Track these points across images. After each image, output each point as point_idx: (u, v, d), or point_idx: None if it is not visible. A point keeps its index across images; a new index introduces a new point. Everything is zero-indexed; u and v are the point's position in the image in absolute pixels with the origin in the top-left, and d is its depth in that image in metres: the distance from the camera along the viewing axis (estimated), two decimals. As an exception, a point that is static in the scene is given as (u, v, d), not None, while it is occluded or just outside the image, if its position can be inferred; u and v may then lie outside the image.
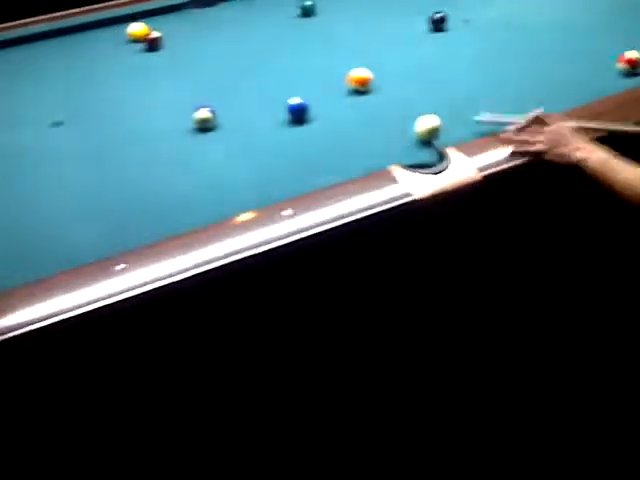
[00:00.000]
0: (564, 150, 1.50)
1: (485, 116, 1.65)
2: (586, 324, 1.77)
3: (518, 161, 1.52)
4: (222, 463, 1.52)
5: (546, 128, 1.55)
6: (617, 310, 1.80)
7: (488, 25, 2.24)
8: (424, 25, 2.22)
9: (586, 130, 1.55)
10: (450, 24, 2.22)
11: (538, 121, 1.58)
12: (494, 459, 1.83)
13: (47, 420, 1.28)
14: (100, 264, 1.27)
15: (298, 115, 1.75)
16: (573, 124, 1.57)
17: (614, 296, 1.78)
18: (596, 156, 1.47)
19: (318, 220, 1.34)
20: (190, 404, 1.41)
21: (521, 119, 1.60)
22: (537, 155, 1.52)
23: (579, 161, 1.48)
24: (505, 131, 1.59)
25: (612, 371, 1.85)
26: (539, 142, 1.53)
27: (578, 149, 1.49)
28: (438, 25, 2.21)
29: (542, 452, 1.85)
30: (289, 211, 1.35)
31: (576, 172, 1.47)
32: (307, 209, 1.36)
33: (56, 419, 1.29)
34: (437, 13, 2.21)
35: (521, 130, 1.58)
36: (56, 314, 1.18)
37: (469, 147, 1.55)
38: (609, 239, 1.70)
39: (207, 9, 2.49)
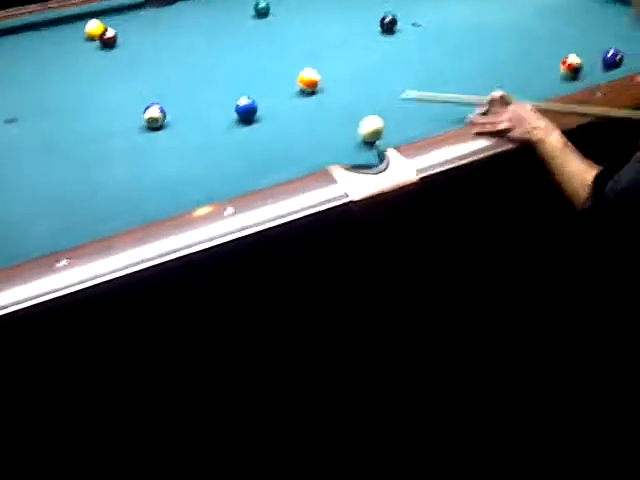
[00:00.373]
0: (526, 128, 1.56)
1: (411, 93, 1.70)
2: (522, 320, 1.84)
3: (456, 163, 1.56)
4: (212, 461, 1.57)
5: (509, 107, 1.61)
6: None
7: (438, 28, 2.30)
8: (375, 28, 2.27)
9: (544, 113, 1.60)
10: (400, 27, 2.27)
11: (500, 101, 1.64)
12: (493, 458, 1.88)
13: None
14: (43, 260, 1.31)
15: (246, 115, 1.80)
16: (536, 105, 1.63)
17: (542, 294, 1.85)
18: (554, 139, 1.53)
19: (258, 219, 1.39)
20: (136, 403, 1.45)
21: (452, 97, 1.67)
22: (501, 134, 1.58)
23: (537, 141, 1.53)
24: (469, 115, 1.65)
25: (605, 366, 1.90)
26: (502, 121, 1.58)
27: (539, 129, 1.55)
28: (388, 28, 2.26)
29: (541, 451, 1.89)
30: (230, 209, 1.39)
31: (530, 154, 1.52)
32: (248, 208, 1.41)
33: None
34: (387, 16, 2.26)
35: (486, 113, 1.64)
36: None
37: (409, 149, 1.59)
38: (546, 237, 1.77)
39: (164, 8, 2.52)
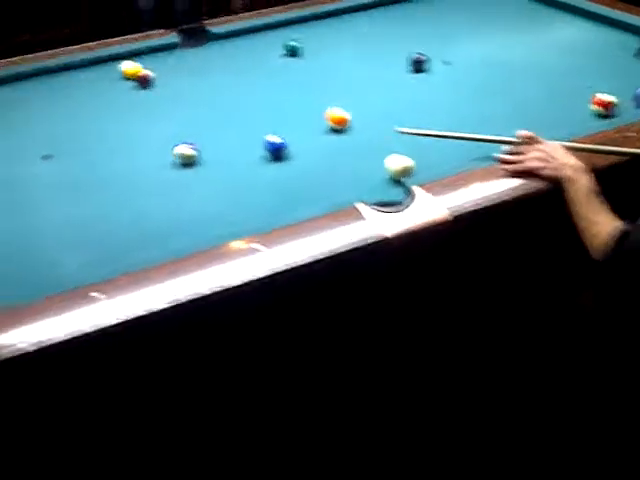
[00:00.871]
0: (556, 164, 1.54)
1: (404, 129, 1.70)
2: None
3: (484, 200, 1.57)
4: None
5: (539, 145, 1.60)
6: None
7: (466, 66, 2.31)
8: (404, 66, 2.30)
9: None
10: (430, 65, 2.30)
11: (529, 141, 1.63)
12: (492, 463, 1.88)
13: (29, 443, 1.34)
14: (77, 292, 1.34)
15: (276, 152, 1.83)
16: (565, 144, 1.62)
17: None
18: (584, 182, 1.50)
19: (285, 255, 1.41)
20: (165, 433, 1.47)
21: (442, 133, 1.68)
22: (529, 172, 1.57)
23: (566, 179, 1.51)
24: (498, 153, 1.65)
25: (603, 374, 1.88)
26: (531, 159, 1.57)
27: (568, 166, 1.53)
28: (417, 66, 2.29)
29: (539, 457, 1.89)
30: (259, 245, 1.42)
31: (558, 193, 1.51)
32: (276, 243, 1.43)
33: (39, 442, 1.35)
34: (417, 54, 2.29)
35: (513, 150, 1.63)
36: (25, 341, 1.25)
37: (437, 186, 1.61)
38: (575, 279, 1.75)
39: (197, 48, 2.58)
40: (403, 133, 1.69)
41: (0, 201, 1.78)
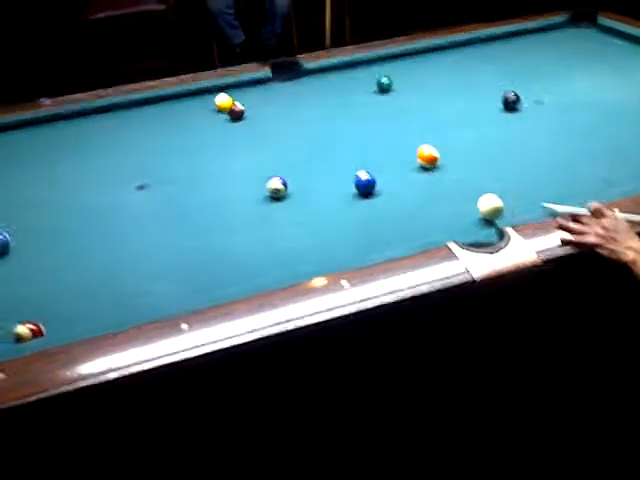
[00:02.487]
0: (616, 247, 1.48)
1: (550, 205, 1.63)
2: None
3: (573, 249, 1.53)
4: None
5: (603, 220, 1.53)
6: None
7: (560, 106, 2.27)
8: (496, 104, 2.27)
9: None
10: (522, 104, 2.26)
11: (597, 212, 1.56)
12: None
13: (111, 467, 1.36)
14: (165, 322, 1.36)
15: (365, 189, 1.83)
16: (634, 218, 1.56)
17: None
18: None
19: (373, 293, 1.40)
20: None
21: (585, 211, 1.58)
22: (588, 247, 1.51)
23: (628, 262, 1.46)
24: (560, 216, 1.58)
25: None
26: (593, 234, 1.52)
27: (630, 249, 1.47)
28: (510, 105, 2.25)
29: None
30: (345, 283, 1.41)
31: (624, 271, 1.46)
32: (363, 281, 1.42)
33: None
34: (509, 93, 2.26)
35: (577, 219, 1.57)
36: (115, 369, 1.28)
37: (529, 228, 1.57)
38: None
39: (290, 82, 2.62)
40: (547, 208, 1.63)
41: (97, 229, 1.85)
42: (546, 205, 1.63)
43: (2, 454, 1.26)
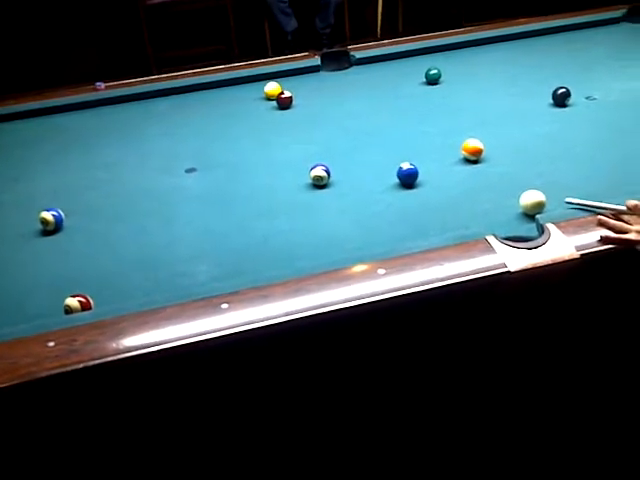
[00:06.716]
0: None
1: (574, 200, 1.63)
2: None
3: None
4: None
5: None
6: None
7: (612, 103, 2.24)
8: (546, 100, 2.25)
9: None
10: (573, 100, 2.24)
11: (636, 209, 1.54)
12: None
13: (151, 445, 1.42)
14: (207, 301, 1.41)
15: (407, 180, 1.84)
16: None
17: None
18: None
19: (409, 282, 1.42)
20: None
21: (612, 206, 1.57)
22: (627, 243, 1.49)
23: None
24: (602, 213, 1.57)
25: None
26: (634, 231, 1.50)
27: None
28: (560, 100, 2.24)
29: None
30: (382, 270, 1.43)
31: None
32: (400, 270, 1.44)
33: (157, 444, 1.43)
34: (560, 88, 2.24)
35: (618, 216, 1.56)
36: (159, 343, 1.33)
37: (570, 225, 1.56)
38: None
39: (339, 72, 2.64)
40: (571, 204, 1.63)
41: (146, 210, 1.91)
42: (570, 200, 1.62)
43: (48, 419, 1.32)
